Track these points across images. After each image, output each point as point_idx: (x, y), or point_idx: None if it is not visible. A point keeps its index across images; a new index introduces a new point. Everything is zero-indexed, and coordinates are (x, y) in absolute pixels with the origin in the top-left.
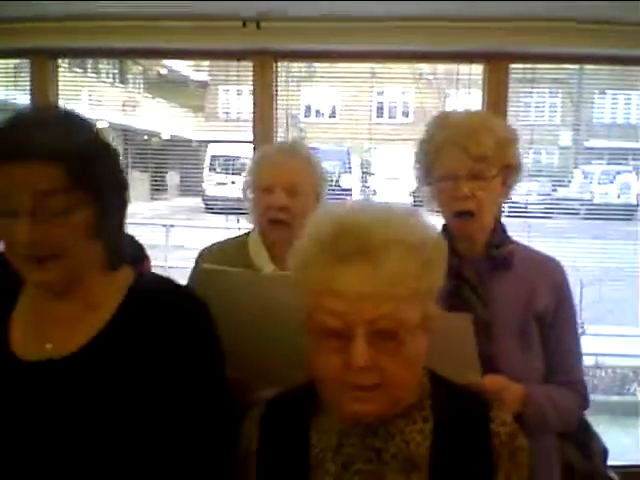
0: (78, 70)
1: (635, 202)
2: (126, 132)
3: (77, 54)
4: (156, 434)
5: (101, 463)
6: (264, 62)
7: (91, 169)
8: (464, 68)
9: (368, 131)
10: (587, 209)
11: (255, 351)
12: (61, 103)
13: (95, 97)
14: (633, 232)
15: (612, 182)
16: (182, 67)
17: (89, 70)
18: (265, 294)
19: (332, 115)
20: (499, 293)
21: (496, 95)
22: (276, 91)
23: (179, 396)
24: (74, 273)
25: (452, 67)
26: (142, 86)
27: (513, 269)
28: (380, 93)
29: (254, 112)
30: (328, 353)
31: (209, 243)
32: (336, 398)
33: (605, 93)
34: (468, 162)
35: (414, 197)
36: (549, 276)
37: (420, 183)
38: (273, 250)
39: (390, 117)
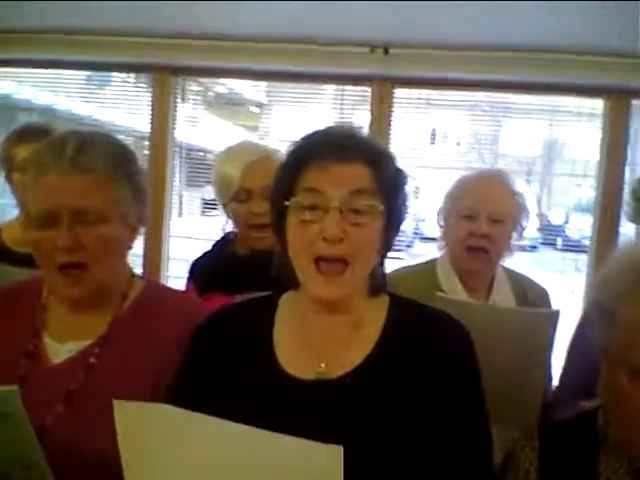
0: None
1: None
2: (184, 148)
3: (198, 73)
4: (431, 455)
5: None
6: (383, 88)
7: (391, 177)
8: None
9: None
10: None
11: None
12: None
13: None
14: None
15: None
16: (239, 86)
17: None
18: (500, 326)
19: None
20: None
21: (618, 132)
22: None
23: (451, 419)
24: (358, 284)
25: (507, 96)
26: (201, 104)
27: None
28: (433, 120)
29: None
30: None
31: (395, 269)
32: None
33: None
34: None
35: None
36: None
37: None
38: (466, 278)
39: (442, 144)
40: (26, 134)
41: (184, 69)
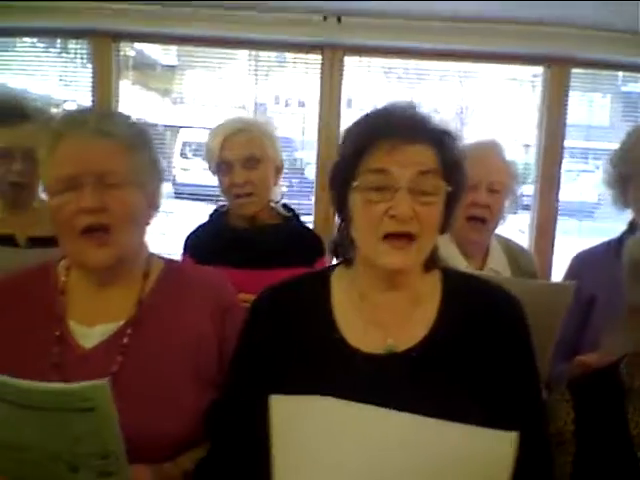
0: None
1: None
2: None
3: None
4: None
5: None
6: (334, 55)
7: (454, 156)
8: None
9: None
10: None
11: None
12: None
13: (65, 77)
14: (594, 229)
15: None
16: (150, 50)
17: (59, 49)
18: (525, 297)
19: (302, 105)
20: None
21: (557, 98)
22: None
23: (512, 387)
24: (421, 258)
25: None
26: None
27: None
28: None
29: (320, 103)
30: None
31: None
32: None
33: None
34: None
35: None
36: None
37: (611, 186)
38: (464, 247)
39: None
40: (1, 117)
41: (123, 35)
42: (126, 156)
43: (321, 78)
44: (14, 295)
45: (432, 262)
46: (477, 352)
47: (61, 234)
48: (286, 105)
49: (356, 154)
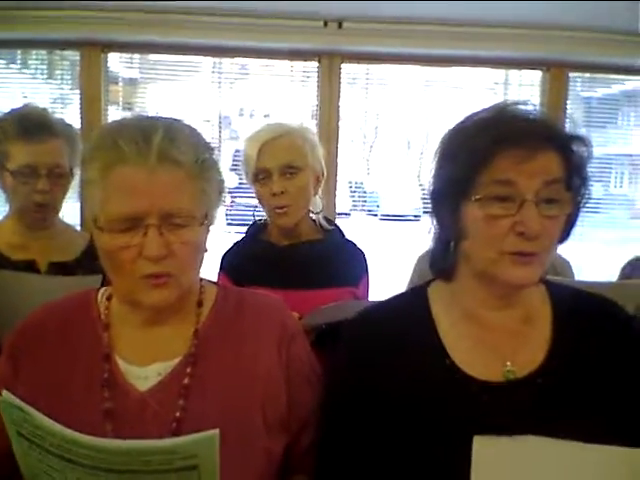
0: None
1: None
2: None
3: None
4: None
5: None
6: (332, 63)
7: (581, 164)
8: None
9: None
10: None
11: None
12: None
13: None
14: None
15: None
16: (111, 63)
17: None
18: None
19: (267, 115)
20: None
21: (556, 101)
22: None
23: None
24: (541, 273)
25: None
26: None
27: None
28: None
29: (318, 112)
30: None
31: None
32: None
33: None
34: None
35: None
36: None
37: None
38: None
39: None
40: (27, 131)
41: (113, 45)
42: (193, 187)
43: (318, 87)
44: (52, 330)
45: (543, 275)
46: (604, 372)
47: (113, 272)
48: (250, 116)
49: (475, 164)
